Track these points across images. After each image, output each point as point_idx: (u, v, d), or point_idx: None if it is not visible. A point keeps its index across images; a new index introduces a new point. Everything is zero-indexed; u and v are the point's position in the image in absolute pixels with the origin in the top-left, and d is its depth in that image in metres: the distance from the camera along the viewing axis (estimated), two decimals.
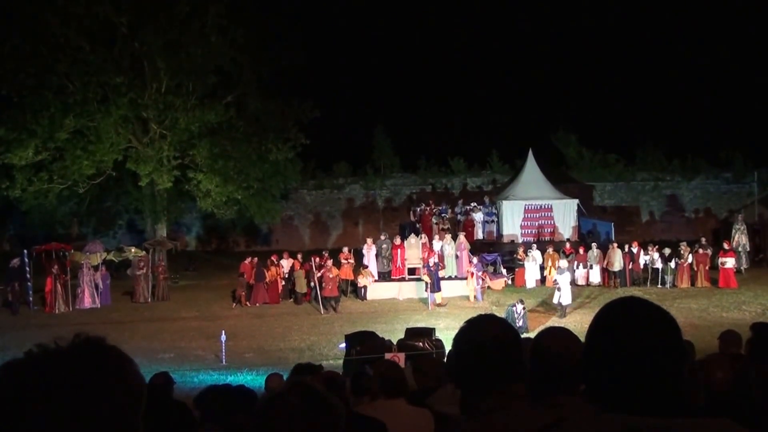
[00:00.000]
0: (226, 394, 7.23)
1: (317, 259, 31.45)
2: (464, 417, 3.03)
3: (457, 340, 3.07)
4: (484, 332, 3.00)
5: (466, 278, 31.98)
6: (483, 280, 31.66)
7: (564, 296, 27.98)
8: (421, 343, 20.62)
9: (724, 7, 56.06)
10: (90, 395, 1.74)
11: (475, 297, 31.02)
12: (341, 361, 20.14)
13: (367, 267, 32.83)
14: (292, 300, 31.97)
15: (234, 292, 32.11)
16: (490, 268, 33.67)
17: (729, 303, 29.29)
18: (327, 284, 30.41)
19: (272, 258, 32.69)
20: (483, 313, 3.42)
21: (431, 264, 30.84)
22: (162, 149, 35.17)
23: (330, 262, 31.09)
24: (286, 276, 32.47)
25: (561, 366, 3.11)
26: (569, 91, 55.11)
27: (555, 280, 29.04)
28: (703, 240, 34.60)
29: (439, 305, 30.15)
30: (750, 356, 6.81)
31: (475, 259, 32.16)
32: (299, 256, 33.11)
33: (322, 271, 30.65)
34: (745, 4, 53.86)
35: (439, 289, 30.57)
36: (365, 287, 32.24)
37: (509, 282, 33.36)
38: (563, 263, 29.81)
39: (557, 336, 3.39)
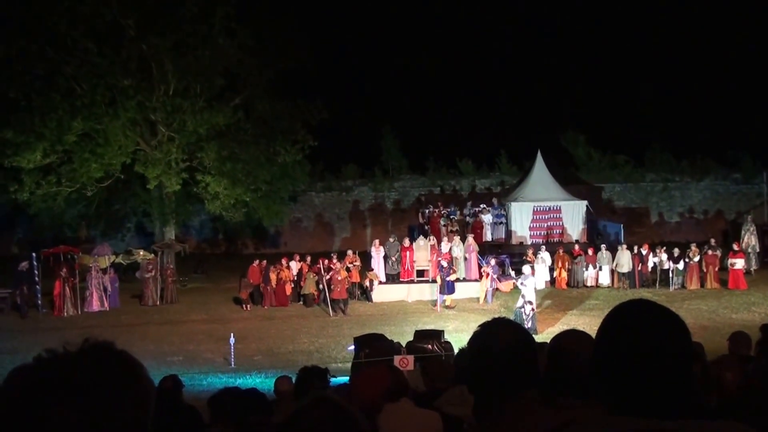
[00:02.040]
0: (239, 396, 7.26)
1: (326, 262, 31.47)
2: (476, 421, 3.01)
3: (471, 344, 3.04)
4: (499, 337, 2.96)
5: (479, 278, 31.94)
6: (497, 281, 31.54)
7: (520, 301, 27.53)
8: (430, 346, 20.62)
9: (732, 6, 55.96)
10: (99, 400, 1.74)
11: (485, 298, 30.97)
12: (350, 364, 20.12)
13: (372, 270, 32.82)
14: (300, 302, 31.98)
15: (239, 295, 32.12)
16: (499, 270, 33.61)
17: (738, 304, 29.22)
18: (336, 286, 30.41)
19: (282, 260, 32.72)
20: (496, 316, 3.38)
21: (444, 266, 30.80)
22: (170, 152, 35.19)
23: (339, 265, 31.10)
24: (295, 278, 32.48)
25: (578, 369, 3.09)
26: (577, 92, 54.98)
27: (522, 282, 28.72)
28: (713, 241, 34.48)
29: (447, 307, 30.13)
30: (760, 357, 6.79)
31: (493, 261, 31.95)
32: (308, 259, 33.14)
33: (330, 274, 30.67)
34: (753, 4, 53.72)
35: (450, 292, 30.54)
36: (371, 281, 32.20)
37: (518, 284, 33.25)
38: (526, 269, 29.23)
39: (576, 339, 3.37)
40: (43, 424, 1.70)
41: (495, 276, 31.28)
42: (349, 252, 33.43)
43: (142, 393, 1.85)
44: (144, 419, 1.85)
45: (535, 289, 28.46)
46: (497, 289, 31.77)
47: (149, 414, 1.87)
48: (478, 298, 31.36)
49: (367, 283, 32.35)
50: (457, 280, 32.53)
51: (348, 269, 31.57)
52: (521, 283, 28.12)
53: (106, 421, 1.74)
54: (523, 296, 27.49)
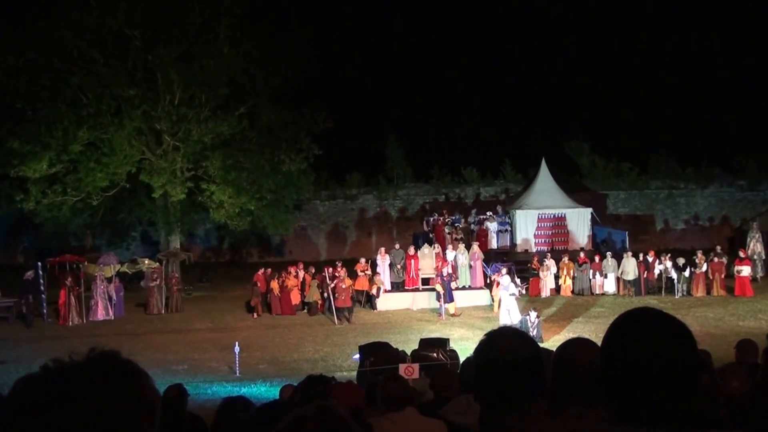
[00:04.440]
0: (247, 405, 7.25)
1: (330, 270, 31.44)
2: (483, 431, 2.99)
3: (477, 354, 3.01)
4: (505, 347, 2.93)
5: (491, 287, 31.79)
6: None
7: (503, 315, 27.33)
8: (435, 354, 20.58)
9: (738, 14, 55.98)
10: (105, 409, 1.74)
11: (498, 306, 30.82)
12: (355, 373, 20.09)
13: (378, 275, 32.76)
14: (305, 311, 31.97)
15: (248, 303, 32.15)
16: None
17: (745, 311, 29.15)
18: (340, 295, 30.37)
19: (290, 269, 32.75)
20: (504, 325, 3.36)
21: (445, 274, 30.74)
22: (175, 161, 35.23)
23: (343, 273, 31.07)
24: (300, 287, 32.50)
25: (584, 377, 3.06)
26: (582, 100, 55.04)
27: (512, 293, 28.60)
28: (719, 248, 34.40)
29: (453, 315, 30.08)
30: (767, 366, 6.76)
31: (504, 270, 31.68)
32: (311, 269, 33.13)
33: (335, 282, 30.63)
34: (760, 12, 53.72)
35: (451, 300, 30.47)
36: (378, 288, 32.16)
37: (523, 291, 33.18)
38: (505, 280, 28.98)
39: (582, 347, 3.33)
40: None
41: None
42: (362, 260, 33.41)
43: (148, 402, 1.85)
44: (149, 428, 1.84)
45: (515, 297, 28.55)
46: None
47: (155, 423, 1.87)
48: (484, 306, 31.34)
49: (374, 291, 32.29)
50: (463, 288, 32.50)
51: (354, 273, 31.57)
52: (510, 294, 28.04)
53: (111, 430, 1.74)
54: (508, 308, 27.42)
